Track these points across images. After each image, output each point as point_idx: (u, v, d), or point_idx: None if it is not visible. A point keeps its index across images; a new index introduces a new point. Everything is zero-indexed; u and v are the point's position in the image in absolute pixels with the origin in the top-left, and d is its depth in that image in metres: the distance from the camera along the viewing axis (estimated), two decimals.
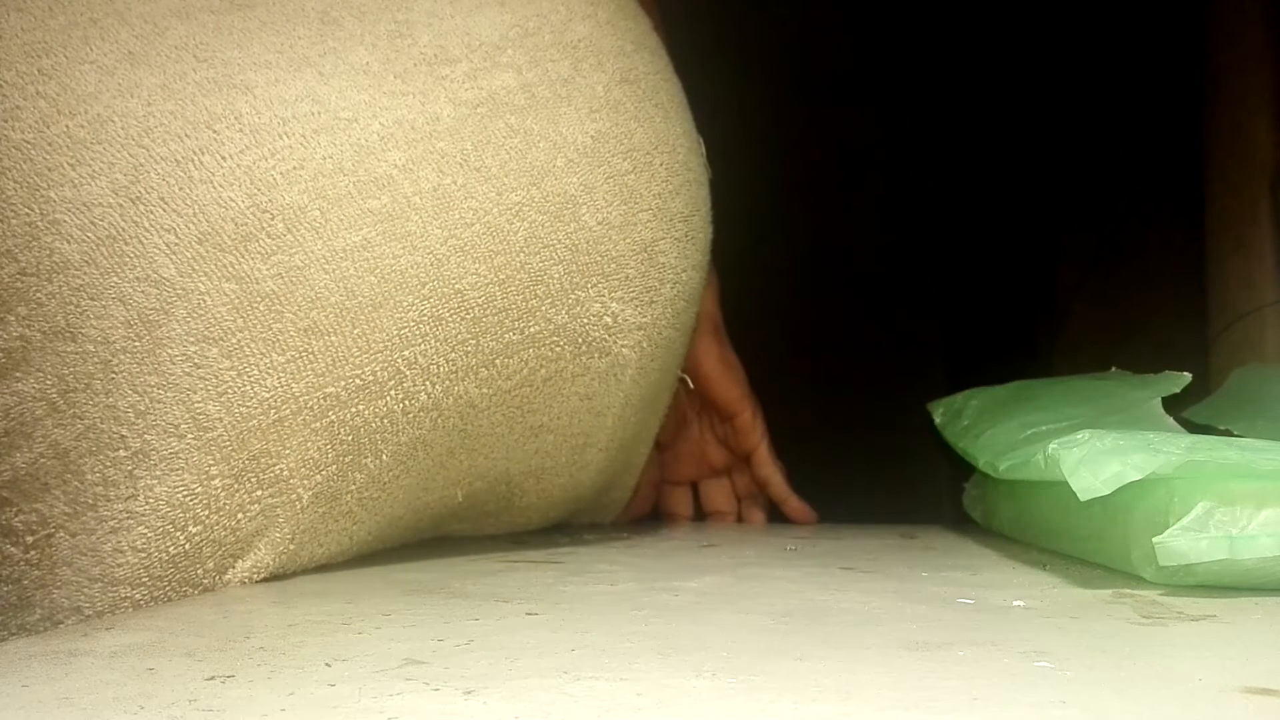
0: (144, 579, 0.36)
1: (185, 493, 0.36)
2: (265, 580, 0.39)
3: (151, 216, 0.35)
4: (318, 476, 0.38)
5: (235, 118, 0.37)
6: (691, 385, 0.56)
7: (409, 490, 0.42)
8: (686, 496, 0.66)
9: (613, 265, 0.43)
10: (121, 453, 0.36)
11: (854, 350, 1.14)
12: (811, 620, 0.31)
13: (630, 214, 0.44)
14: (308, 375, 0.37)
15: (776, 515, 0.65)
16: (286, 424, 0.37)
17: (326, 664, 0.25)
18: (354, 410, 0.38)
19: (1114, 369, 0.58)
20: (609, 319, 0.44)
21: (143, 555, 0.36)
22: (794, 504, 0.63)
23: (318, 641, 0.28)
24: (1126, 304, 0.87)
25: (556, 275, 0.42)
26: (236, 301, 0.36)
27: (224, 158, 0.36)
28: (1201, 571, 0.34)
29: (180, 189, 0.36)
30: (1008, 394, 0.57)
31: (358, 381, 0.38)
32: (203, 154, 0.36)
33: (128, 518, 0.36)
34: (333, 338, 0.37)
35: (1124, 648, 0.27)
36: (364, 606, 0.33)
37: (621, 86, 0.45)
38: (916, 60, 1.18)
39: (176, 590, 0.37)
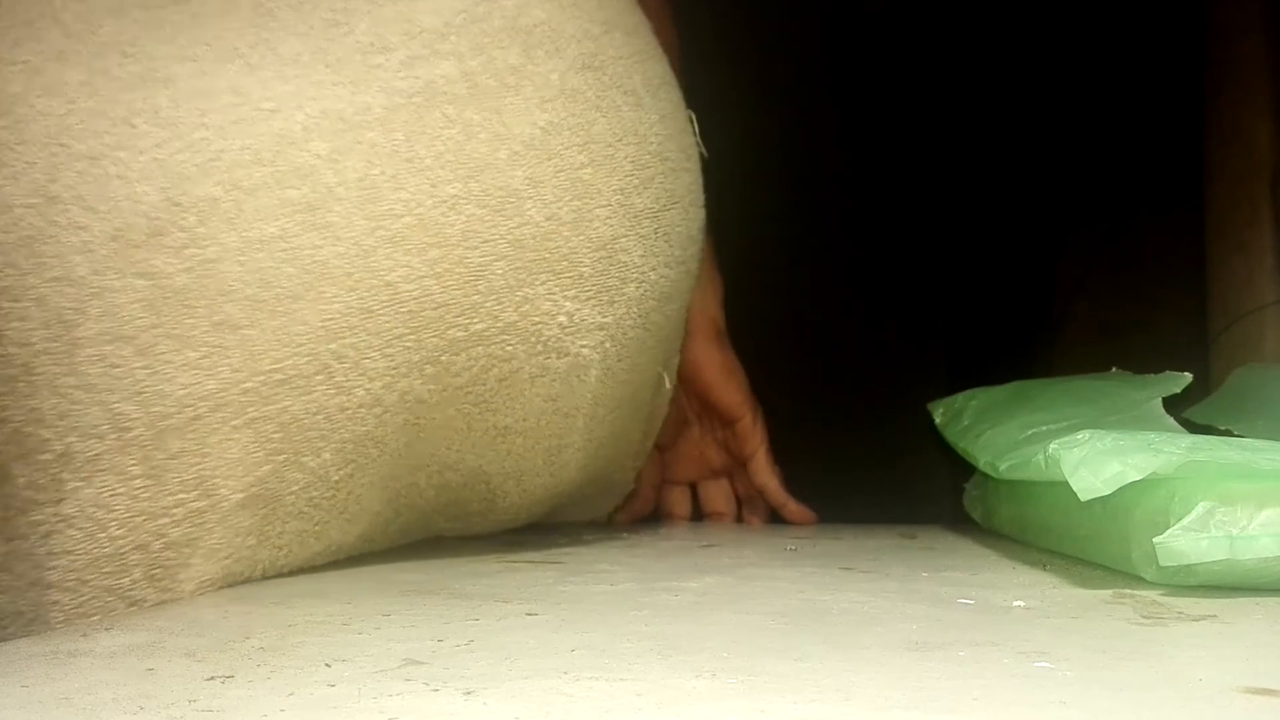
0: (72, 582, 0.36)
1: (109, 494, 0.36)
2: (226, 587, 0.38)
3: (68, 215, 0.35)
4: (246, 477, 0.37)
5: (154, 112, 0.36)
6: (669, 384, 0.54)
7: (373, 487, 0.41)
8: (686, 497, 0.66)
9: (564, 263, 0.42)
10: (47, 456, 0.35)
11: (854, 350, 1.14)
12: (811, 620, 0.31)
13: (584, 210, 0.43)
14: (223, 371, 0.36)
15: (776, 516, 0.65)
16: (204, 422, 0.36)
17: (326, 664, 0.25)
18: (278, 406, 0.37)
19: (1114, 369, 0.58)
20: (563, 318, 0.43)
21: (71, 558, 0.36)
22: (792, 508, 0.63)
23: (317, 642, 0.28)
24: (1127, 304, 0.87)
25: (500, 271, 0.40)
26: (148, 298, 0.35)
27: (139, 152, 0.36)
28: (1202, 571, 0.34)
29: (95, 186, 0.35)
30: (1008, 394, 0.57)
31: (278, 376, 0.37)
32: (119, 149, 0.36)
33: (58, 521, 0.36)
34: (248, 331, 0.36)
35: (1124, 648, 0.27)
36: (363, 607, 0.33)
37: (582, 74, 0.43)
38: (918, 61, 1.18)
39: (104, 599, 0.36)
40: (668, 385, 0.53)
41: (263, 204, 0.37)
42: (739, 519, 0.66)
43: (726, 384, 0.62)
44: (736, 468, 0.65)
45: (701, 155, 0.54)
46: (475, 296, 0.40)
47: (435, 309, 0.40)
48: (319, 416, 0.38)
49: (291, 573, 0.41)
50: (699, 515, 0.67)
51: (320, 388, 0.38)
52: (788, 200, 1.11)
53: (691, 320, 0.61)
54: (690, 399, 0.64)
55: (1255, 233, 0.67)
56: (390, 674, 0.25)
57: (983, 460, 0.49)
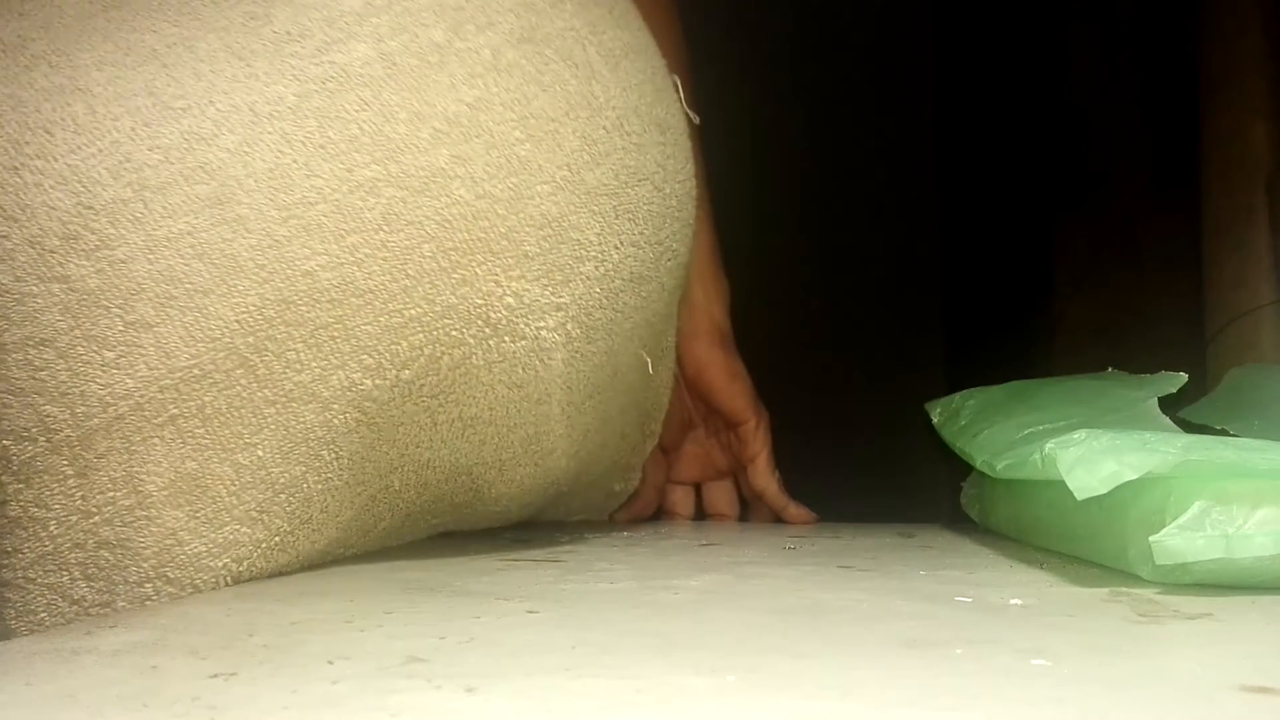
0: (20, 580, 0.37)
1: (47, 494, 0.36)
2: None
3: None
4: (170, 473, 0.37)
5: (72, 120, 0.37)
6: (652, 369, 0.52)
7: (337, 494, 0.41)
8: (689, 497, 0.67)
9: (504, 242, 0.41)
10: None
11: (853, 350, 1.14)
12: (810, 618, 0.31)
13: (523, 186, 0.41)
14: (140, 369, 0.36)
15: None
16: (127, 421, 0.36)
17: (329, 662, 0.26)
18: (197, 402, 0.37)
19: (1111, 369, 0.59)
20: (510, 299, 0.41)
21: (19, 557, 0.36)
22: (792, 511, 0.63)
23: (320, 639, 0.28)
24: (1124, 304, 0.88)
25: (428, 253, 0.40)
26: (64, 302, 0.36)
27: (54, 159, 0.37)
28: (1198, 570, 0.34)
29: (14, 196, 0.36)
30: (1005, 394, 0.57)
31: (195, 371, 0.37)
32: (37, 159, 0.37)
33: (5, 522, 0.36)
34: (161, 329, 0.37)
35: (1120, 646, 0.28)
36: (366, 605, 0.33)
37: (520, 47, 0.42)
38: (918, 60, 1.18)
39: (47, 597, 0.37)
40: (650, 369, 0.52)
41: (170, 202, 0.37)
42: (743, 520, 0.66)
43: (730, 387, 0.62)
44: (741, 469, 0.65)
45: (693, 123, 0.52)
46: (404, 281, 0.39)
47: (359, 296, 0.39)
48: (244, 410, 0.38)
49: (292, 572, 0.41)
50: (702, 516, 0.67)
51: (241, 381, 0.38)
52: (787, 201, 1.11)
53: (696, 323, 0.61)
54: (695, 401, 0.64)
55: (1252, 233, 0.67)
56: (392, 671, 0.25)
57: (980, 459, 0.49)
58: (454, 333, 0.41)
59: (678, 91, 0.52)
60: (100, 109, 0.37)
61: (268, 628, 0.30)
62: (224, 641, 0.28)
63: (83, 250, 0.36)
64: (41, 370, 0.36)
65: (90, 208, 0.36)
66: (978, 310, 1.10)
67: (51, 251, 0.36)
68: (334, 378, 0.39)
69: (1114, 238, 0.89)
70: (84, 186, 0.36)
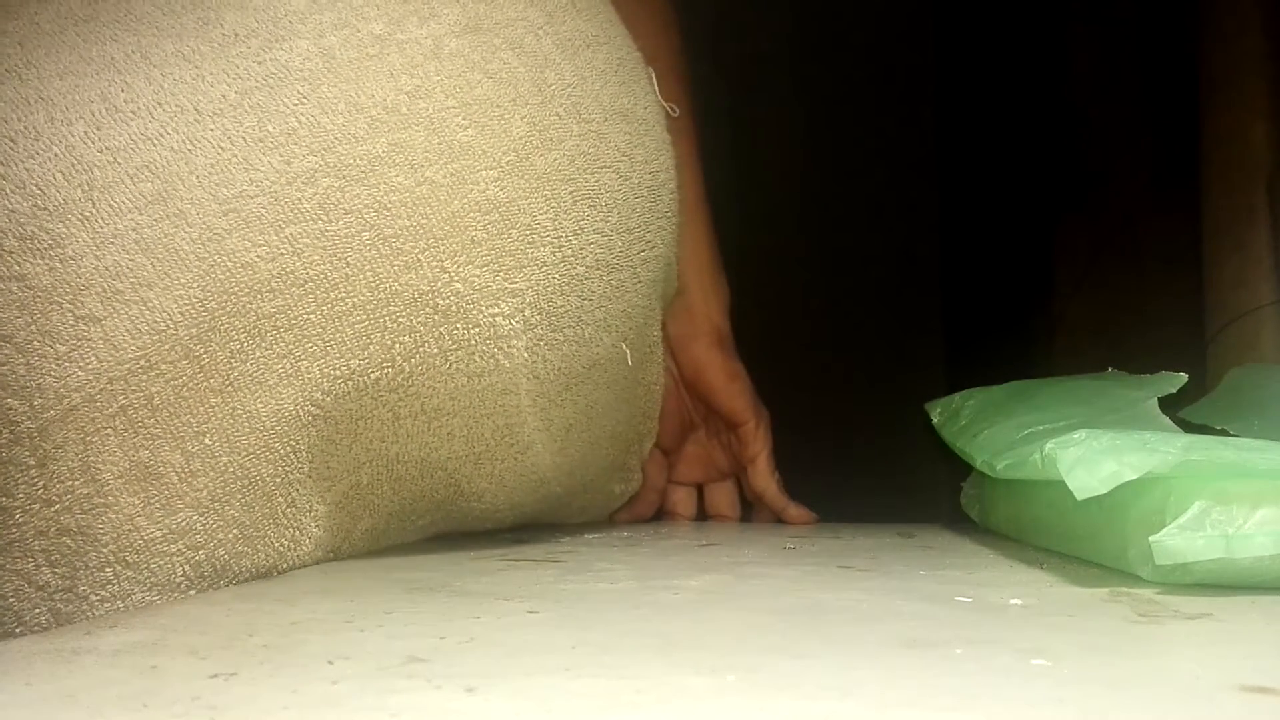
0: None
1: (12, 483, 0.38)
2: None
3: None
4: (124, 461, 0.38)
5: (32, 128, 0.39)
6: (630, 360, 0.51)
7: (303, 488, 0.41)
8: (690, 498, 0.67)
9: (446, 227, 0.41)
10: None
11: (853, 350, 1.14)
12: (810, 618, 0.31)
13: (465, 171, 0.42)
14: (90, 361, 0.38)
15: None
16: (80, 412, 0.38)
17: (329, 662, 0.26)
18: (145, 393, 0.38)
19: (1111, 369, 0.59)
20: (459, 284, 0.42)
21: None
22: (792, 512, 0.63)
23: (320, 639, 0.28)
24: (1124, 304, 0.88)
25: (367, 240, 0.40)
26: (20, 299, 0.38)
27: (14, 164, 0.38)
28: (1198, 570, 0.35)
29: None
30: (1005, 394, 0.57)
31: (142, 363, 0.38)
32: (0, 167, 0.38)
33: None
34: (108, 322, 0.38)
35: (1120, 646, 0.28)
36: (366, 604, 0.33)
37: (463, 37, 0.43)
38: (916, 61, 1.18)
39: (15, 583, 0.38)
40: (629, 360, 0.51)
41: (116, 200, 0.38)
42: (746, 521, 0.67)
43: (729, 388, 0.62)
44: (742, 470, 0.65)
45: (668, 112, 0.53)
46: (344, 269, 0.40)
47: (299, 285, 0.40)
48: (190, 400, 0.39)
49: (285, 570, 0.41)
50: (704, 517, 0.67)
51: (186, 371, 0.39)
52: (787, 200, 1.11)
53: (695, 325, 0.61)
54: (695, 403, 0.64)
55: (1252, 233, 0.67)
56: (392, 671, 0.25)
57: (980, 459, 0.49)
58: (400, 319, 0.41)
59: (652, 83, 0.52)
60: (58, 115, 0.39)
61: (268, 628, 0.30)
62: (224, 641, 0.28)
63: (37, 250, 0.38)
64: (2, 365, 0.37)
65: (44, 209, 0.38)
66: (978, 310, 1.10)
67: (9, 252, 0.38)
68: (279, 365, 0.40)
69: (1114, 238, 0.89)
70: (39, 189, 0.38)
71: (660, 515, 0.66)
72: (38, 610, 0.38)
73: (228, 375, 0.39)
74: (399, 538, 0.48)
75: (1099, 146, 0.91)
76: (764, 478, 0.64)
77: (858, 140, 1.15)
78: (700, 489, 0.67)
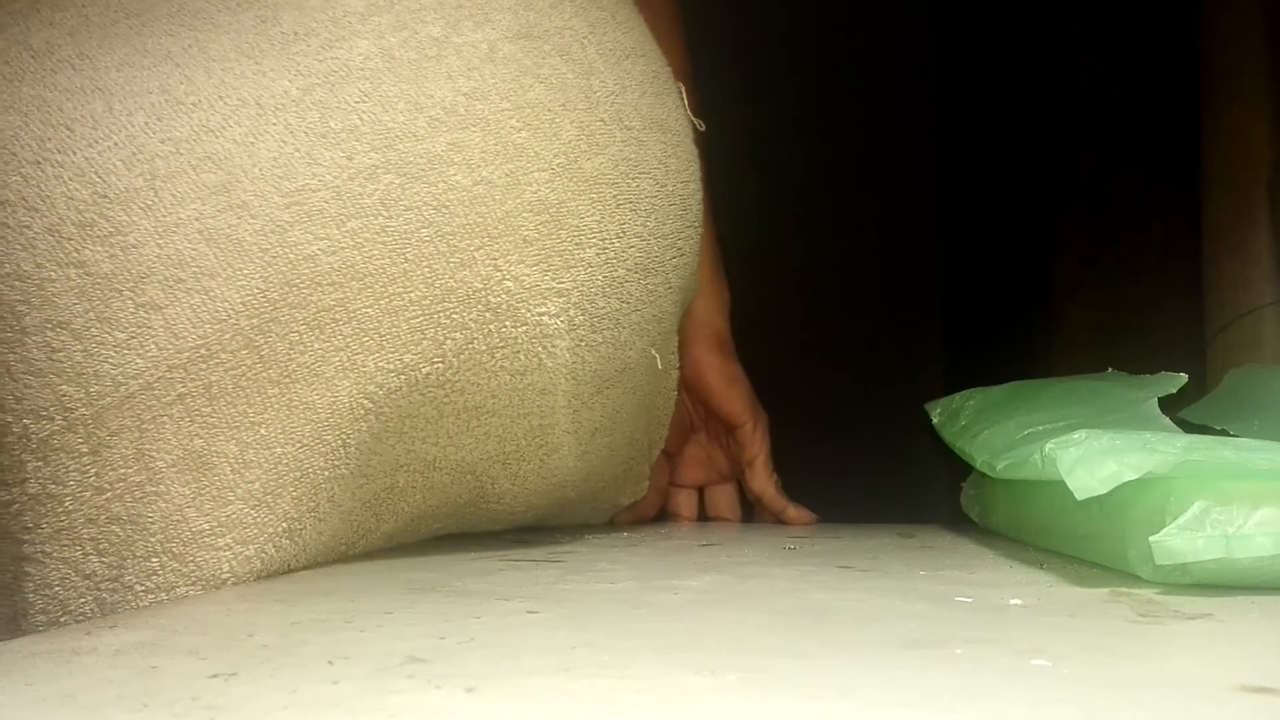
0: (39, 555, 0.38)
1: (63, 471, 0.38)
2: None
3: (15, 216, 0.38)
4: (179, 450, 0.38)
5: (90, 116, 0.39)
6: (660, 364, 0.52)
7: (344, 484, 0.41)
8: (691, 499, 0.67)
9: (500, 226, 0.42)
10: (10, 439, 0.38)
11: (854, 351, 1.14)
12: (810, 619, 0.31)
13: (519, 172, 0.43)
14: (149, 349, 0.38)
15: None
16: (137, 399, 0.38)
17: (329, 662, 0.26)
18: (204, 381, 0.38)
19: (1111, 369, 0.59)
20: (510, 283, 0.42)
21: (37, 533, 0.38)
22: (791, 513, 0.63)
23: (320, 640, 0.28)
24: (1124, 305, 0.88)
25: (425, 237, 0.41)
26: (80, 286, 0.38)
27: (73, 153, 0.38)
28: (1198, 570, 0.35)
29: (36, 187, 0.38)
30: (1005, 394, 0.57)
31: (202, 351, 0.38)
32: (57, 153, 0.38)
33: (26, 499, 0.38)
34: (169, 310, 0.38)
35: (1121, 646, 0.28)
36: (366, 605, 0.33)
37: (516, 42, 0.44)
38: (918, 62, 1.18)
39: (62, 571, 0.38)
40: (659, 364, 0.52)
41: (179, 190, 0.39)
42: (747, 523, 0.67)
43: (728, 391, 0.62)
44: (741, 472, 0.66)
45: (698, 129, 0.53)
46: (403, 264, 0.41)
47: (359, 279, 0.40)
48: (249, 390, 0.39)
49: (298, 568, 0.41)
50: (705, 518, 0.67)
51: (246, 361, 0.39)
52: (787, 201, 1.11)
53: (695, 327, 0.62)
54: (694, 405, 0.64)
55: (1252, 234, 0.67)
56: (392, 671, 0.25)
57: (980, 460, 0.49)
58: (455, 315, 0.42)
59: (682, 97, 0.53)
60: (117, 105, 0.39)
61: (268, 628, 0.30)
62: (224, 642, 0.28)
63: (97, 236, 0.38)
64: (59, 351, 0.37)
65: (105, 196, 0.38)
66: (978, 310, 1.10)
67: (69, 238, 0.38)
68: (337, 358, 0.40)
69: (1114, 238, 0.89)
70: (99, 177, 0.38)
71: (662, 516, 0.66)
72: (83, 600, 0.38)
73: (286, 366, 0.39)
74: (409, 540, 0.48)
75: (1099, 146, 0.91)
76: (762, 480, 0.64)
77: (858, 140, 1.15)
78: (701, 491, 0.67)
